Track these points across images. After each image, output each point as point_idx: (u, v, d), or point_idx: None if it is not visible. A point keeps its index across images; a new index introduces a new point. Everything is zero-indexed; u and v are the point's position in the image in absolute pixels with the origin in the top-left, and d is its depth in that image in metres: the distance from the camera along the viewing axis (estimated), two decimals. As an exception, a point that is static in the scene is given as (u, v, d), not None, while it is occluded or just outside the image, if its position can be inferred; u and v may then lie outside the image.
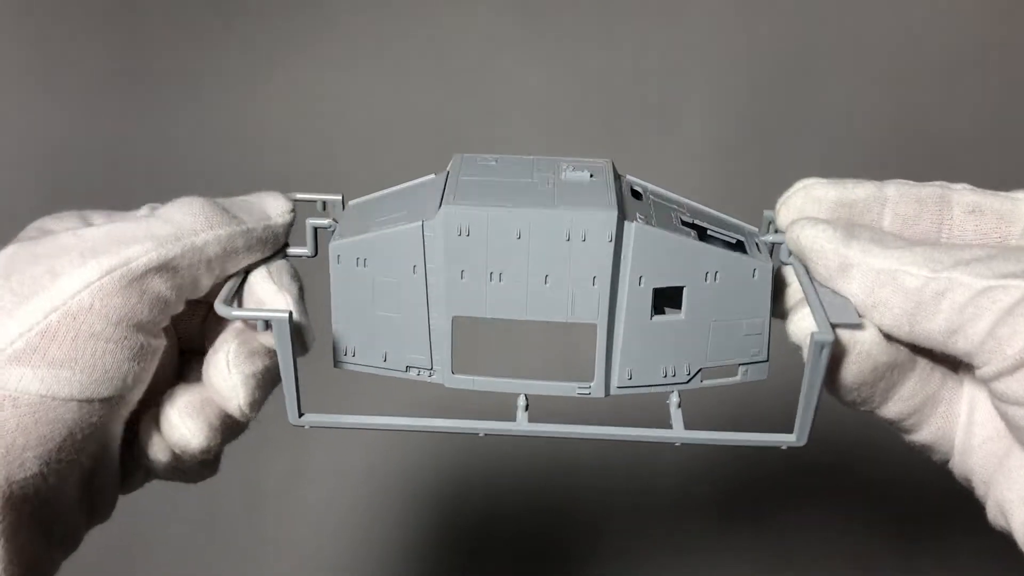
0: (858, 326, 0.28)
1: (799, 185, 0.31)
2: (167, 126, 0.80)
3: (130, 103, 0.80)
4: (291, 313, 0.28)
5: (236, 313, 0.28)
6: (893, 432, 0.32)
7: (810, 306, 0.29)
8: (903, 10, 0.80)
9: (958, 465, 0.30)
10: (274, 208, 0.32)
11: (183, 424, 0.30)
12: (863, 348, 0.28)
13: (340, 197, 0.33)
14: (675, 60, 0.80)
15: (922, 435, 0.31)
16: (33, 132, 0.80)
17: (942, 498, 0.77)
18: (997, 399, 0.27)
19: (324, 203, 0.34)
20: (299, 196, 0.33)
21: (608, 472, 0.80)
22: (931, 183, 0.30)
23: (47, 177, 0.81)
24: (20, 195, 0.80)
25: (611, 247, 0.29)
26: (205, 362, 0.30)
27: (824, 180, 0.31)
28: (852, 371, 0.28)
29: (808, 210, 0.30)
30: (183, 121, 0.80)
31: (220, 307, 0.29)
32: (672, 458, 0.79)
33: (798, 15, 0.79)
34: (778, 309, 0.32)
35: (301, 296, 0.31)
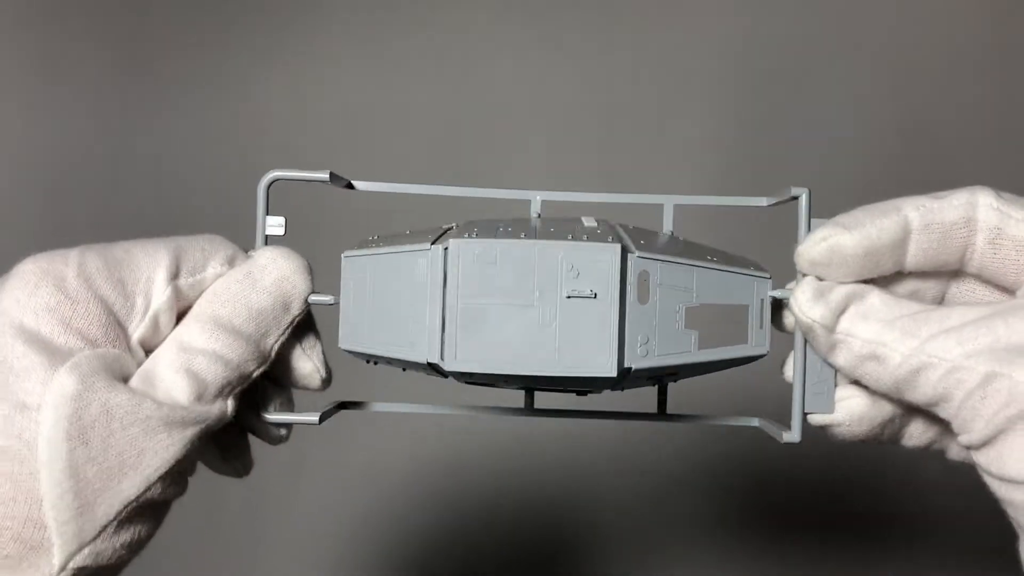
0: (831, 414, 0.31)
1: (820, 240, 0.29)
2: (166, 125, 0.81)
3: (129, 102, 0.80)
4: (321, 416, 0.34)
5: (273, 418, 0.34)
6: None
7: (793, 398, 0.32)
8: (902, 10, 0.80)
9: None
10: (297, 297, 0.32)
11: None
12: (853, 417, 0.31)
13: (327, 175, 0.33)
14: (674, 60, 0.80)
15: (951, 456, 0.32)
16: (34, 131, 0.81)
17: (942, 504, 0.78)
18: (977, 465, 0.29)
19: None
20: (286, 174, 0.33)
21: (609, 474, 0.81)
22: (957, 198, 0.29)
23: (47, 176, 0.81)
24: (21, 194, 0.81)
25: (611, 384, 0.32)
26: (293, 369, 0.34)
27: (848, 232, 0.29)
28: (848, 434, 0.31)
29: (835, 265, 0.29)
30: (182, 120, 0.81)
31: (266, 416, 0.34)
32: (672, 468, 0.79)
33: (797, 15, 0.79)
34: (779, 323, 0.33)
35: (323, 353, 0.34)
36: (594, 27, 0.80)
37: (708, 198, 0.36)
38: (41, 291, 0.28)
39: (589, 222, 0.34)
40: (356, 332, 0.33)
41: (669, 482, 0.81)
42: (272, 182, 0.33)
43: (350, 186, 0.35)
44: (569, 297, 0.31)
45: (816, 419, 0.31)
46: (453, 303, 0.31)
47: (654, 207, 0.36)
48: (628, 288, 0.31)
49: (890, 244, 0.29)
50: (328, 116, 0.81)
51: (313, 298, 0.32)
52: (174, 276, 0.30)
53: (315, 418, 0.33)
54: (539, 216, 0.36)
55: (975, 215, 0.29)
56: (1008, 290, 0.29)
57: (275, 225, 0.33)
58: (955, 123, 0.80)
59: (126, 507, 0.27)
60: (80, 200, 0.81)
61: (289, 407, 0.34)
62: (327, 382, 0.34)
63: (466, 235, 0.31)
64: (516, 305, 0.31)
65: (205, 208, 0.80)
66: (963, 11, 0.79)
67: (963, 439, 0.28)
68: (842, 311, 0.29)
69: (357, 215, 0.66)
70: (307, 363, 0.33)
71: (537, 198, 0.36)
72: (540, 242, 0.31)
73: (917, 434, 0.31)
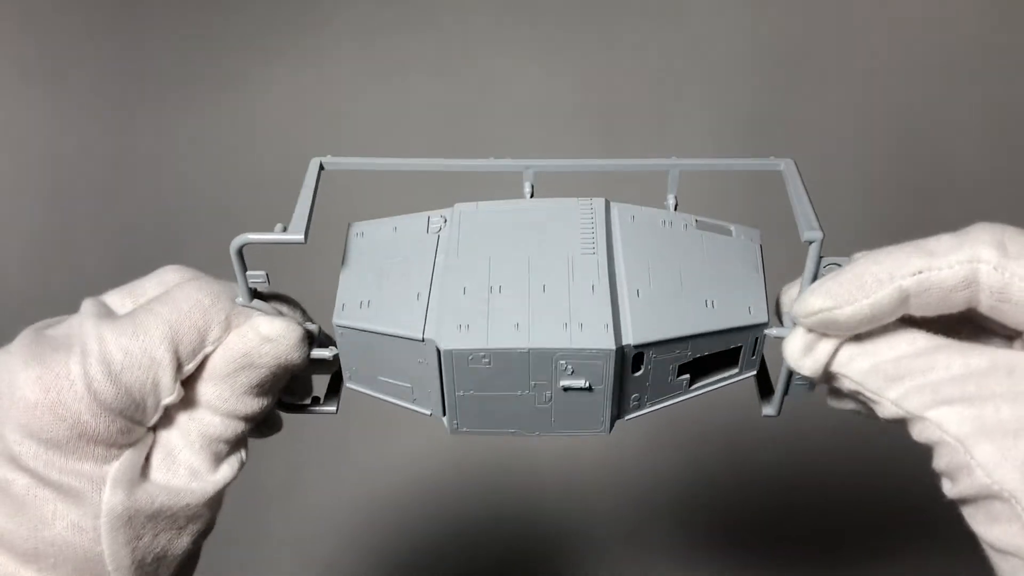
0: (812, 386, 0.32)
1: (814, 312, 0.28)
2: (166, 125, 0.81)
3: (129, 103, 0.80)
4: (335, 410, 0.36)
5: (302, 410, 0.36)
6: (895, 447, 0.33)
7: (778, 382, 0.33)
8: (902, 10, 0.80)
9: None
10: (296, 366, 0.33)
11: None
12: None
13: (301, 236, 0.30)
14: (673, 61, 0.80)
15: None
16: (35, 131, 0.81)
17: (943, 509, 0.77)
18: None
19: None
20: (257, 238, 0.30)
21: (605, 477, 0.81)
22: (956, 257, 0.27)
23: (48, 177, 0.81)
24: (22, 196, 0.81)
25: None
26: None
27: (840, 309, 0.28)
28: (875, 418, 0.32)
29: (831, 331, 0.29)
30: (182, 120, 0.81)
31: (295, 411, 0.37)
32: (669, 469, 0.79)
33: (797, 15, 0.80)
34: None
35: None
36: (594, 26, 0.80)
37: (716, 161, 0.34)
38: (59, 425, 0.28)
39: (586, 241, 0.32)
40: (360, 377, 0.34)
41: (666, 485, 0.81)
42: (243, 246, 0.30)
43: (322, 167, 0.34)
44: (566, 390, 0.31)
45: (837, 404, 0.31)
46: (451, 391, 0.31)
47: (659, 174, 0.35)
48: (624, 371, 0.31)
49: (887, 312, 0.28)
50: (328, 116, 0.81)
51: (315, 353, 0.33)
52: (176, 369, 0.30)
53: (333, 408, 0.36)
54: (532, 189, 0.34)
55: (976, 277, 0.27)
56: (1020, 333, 0.28)
57: (258, 280, 0.31)
58: (954, 122, 0.80)
59: (178, 563, 0.32)
60: (79, 203, 0.81)
61: (307, 388, 0.37)
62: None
63: (459, 328, 0.30)
64: (512, 394, 0.31)
65: (205, 207, 0.80)
66: (963, 11, 0.79)
67: (943, 486, 0.28)
68: (824, 361, 0.29)
69: (355, 193, 0.66)
70: (322, 372, 0.37)
71: (529, 170, 0.34)
72: (534, 347, 0.30)
73: None
